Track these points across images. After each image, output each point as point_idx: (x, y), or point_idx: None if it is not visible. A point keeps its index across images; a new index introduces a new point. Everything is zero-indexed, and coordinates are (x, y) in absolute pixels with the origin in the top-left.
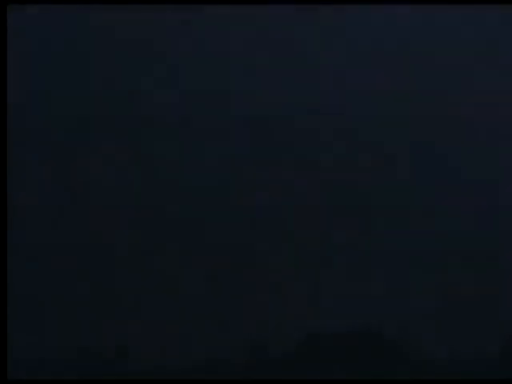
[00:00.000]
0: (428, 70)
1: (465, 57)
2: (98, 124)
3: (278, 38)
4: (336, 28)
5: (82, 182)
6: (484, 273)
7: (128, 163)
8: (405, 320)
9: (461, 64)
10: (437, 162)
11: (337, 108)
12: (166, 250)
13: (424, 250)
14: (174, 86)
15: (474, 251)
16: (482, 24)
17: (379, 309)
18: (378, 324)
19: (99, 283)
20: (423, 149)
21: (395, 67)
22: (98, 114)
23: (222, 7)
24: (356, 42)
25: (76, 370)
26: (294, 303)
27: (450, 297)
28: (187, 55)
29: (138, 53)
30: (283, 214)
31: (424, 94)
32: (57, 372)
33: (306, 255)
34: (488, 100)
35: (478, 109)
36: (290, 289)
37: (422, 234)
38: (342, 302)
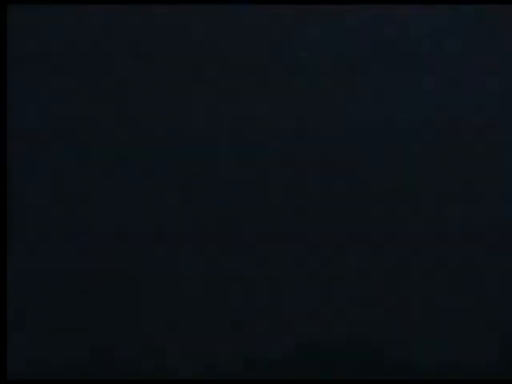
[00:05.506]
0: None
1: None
2: (98, 123)
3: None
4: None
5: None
6: (485, 277)
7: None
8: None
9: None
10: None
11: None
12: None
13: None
14: (175, 84)
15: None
16: (483, 24)
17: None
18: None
19: (100, 283)
20: (426, 153)
21: (396, 67)
22: (99, 113)
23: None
24: (356, 42)
25: (78, 370)
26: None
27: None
28: (187, 55)
29: (139, 52)
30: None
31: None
32: (57, 372)
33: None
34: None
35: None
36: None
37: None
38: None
